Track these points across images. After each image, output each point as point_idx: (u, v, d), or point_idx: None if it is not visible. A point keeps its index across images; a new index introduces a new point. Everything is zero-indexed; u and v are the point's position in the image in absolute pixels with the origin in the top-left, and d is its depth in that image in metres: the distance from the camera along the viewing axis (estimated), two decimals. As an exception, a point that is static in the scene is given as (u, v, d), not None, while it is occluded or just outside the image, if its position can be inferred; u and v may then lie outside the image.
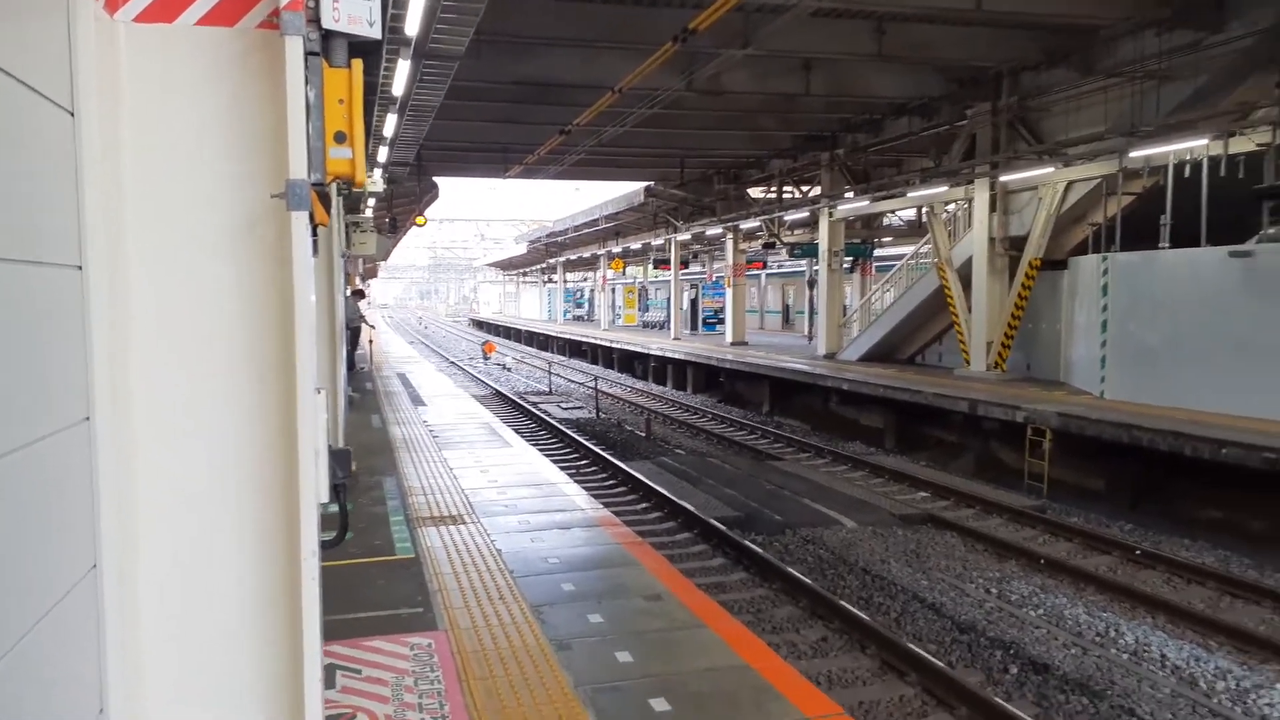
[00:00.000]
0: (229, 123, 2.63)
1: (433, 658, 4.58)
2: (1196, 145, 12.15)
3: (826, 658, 7.15)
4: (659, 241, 33.53)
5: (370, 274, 44.49)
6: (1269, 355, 11.10)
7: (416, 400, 17.00)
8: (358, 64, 2.75)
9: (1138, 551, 9.67)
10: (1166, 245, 13.11)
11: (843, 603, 7.99)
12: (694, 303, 37.36)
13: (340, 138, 2.72)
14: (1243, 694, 6.42)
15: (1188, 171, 12.55)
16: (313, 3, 2.64)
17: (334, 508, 3.05)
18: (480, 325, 72.06)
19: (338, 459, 2.94)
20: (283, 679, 2.60)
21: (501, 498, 8.47)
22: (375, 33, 2.80)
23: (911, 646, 7.01)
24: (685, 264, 33.95)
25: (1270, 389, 11.01)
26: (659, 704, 4.11)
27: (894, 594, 8.64)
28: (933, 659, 6.80)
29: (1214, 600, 8.44)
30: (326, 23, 2.67)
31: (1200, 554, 9.83)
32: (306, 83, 2.61)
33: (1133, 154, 13.16)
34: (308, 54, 2.60)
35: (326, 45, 2.72)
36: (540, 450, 13.24)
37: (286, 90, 2.50)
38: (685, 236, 30.42)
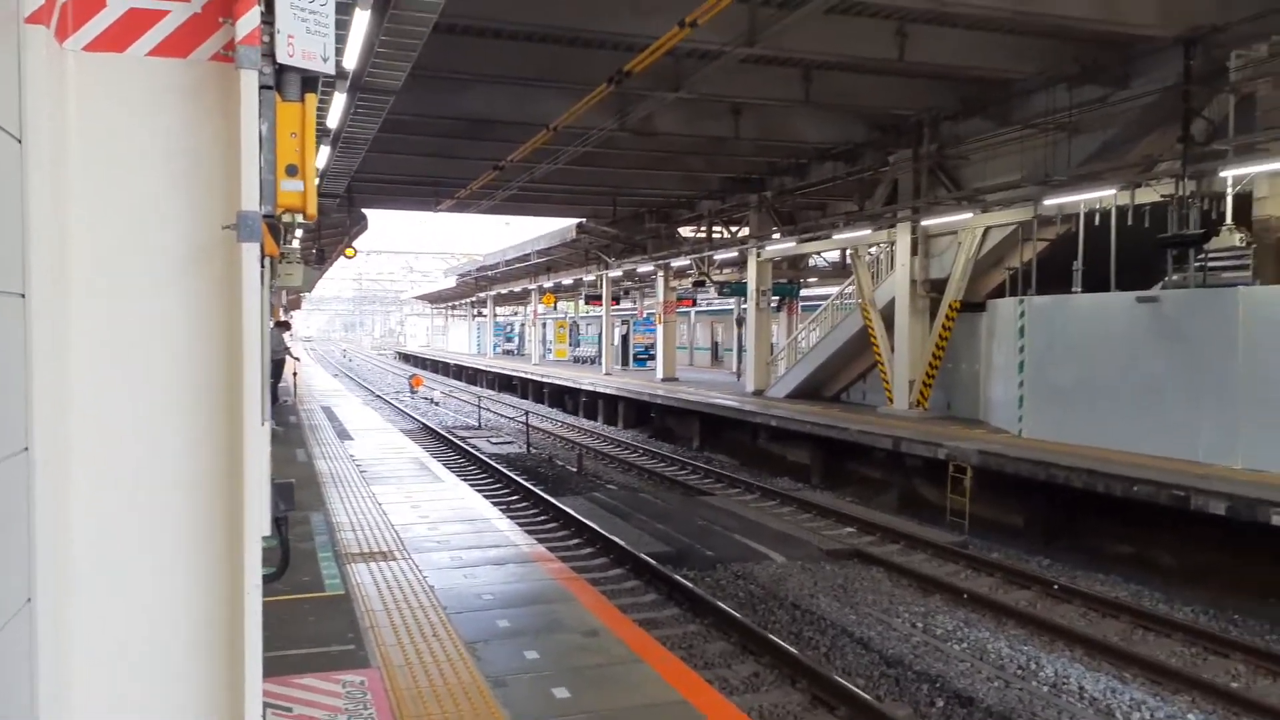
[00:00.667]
0: (179, 154, 2.62)
1: (366, 695, 4.51)
2: (1105, 195, 12.74)
3: (758, 692, 7.20)
4: (590, 277, 33.68)
5: (294, 305, 43.71)
6: (1174, 396, 11.61)
7: (343, 434, 16.71)
8: (311, 98, 2.78)
9: (1055, 586, 9.96)
10: (1079, 289, 13.67)
11: (773, 637, 8.07)
12: (625, 338, 37.54)
13: (292, 170, 2.73)
14: (1156, 723, 6.66)
15: (1098, 220, 13.13)
16: (267, 37, 2.66)
17: (273, 541, 3.02)
18: (407, 359, 71.15)
19: (280, 492, 2.92)
20: (223, 715, 2.55)
21: (433, 533, 8.37)
22: (329, 68, 2.83)
23: (841, 680, 7.11)
24: (617, 300, 34.13)
25: (1175, 429, 11.51)
26: (597, 740, 4.11)
27: (823, 628, 8.75)
28: (862, 693, 6.91)
29: (1128, 633, 8.74)
30: (281, 57, 2.68)
31: (1114, 588, 10.17)
32: (260, 116, 2.62)
33: (1046, 202, 13.73)
34: (261, 87, 2.62)
35: (280, 79, 2.74)
36: (471, 485, 13.12)
37: (240, 123, 2.51)
38: (617, 273, 30.65)
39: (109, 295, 2.52)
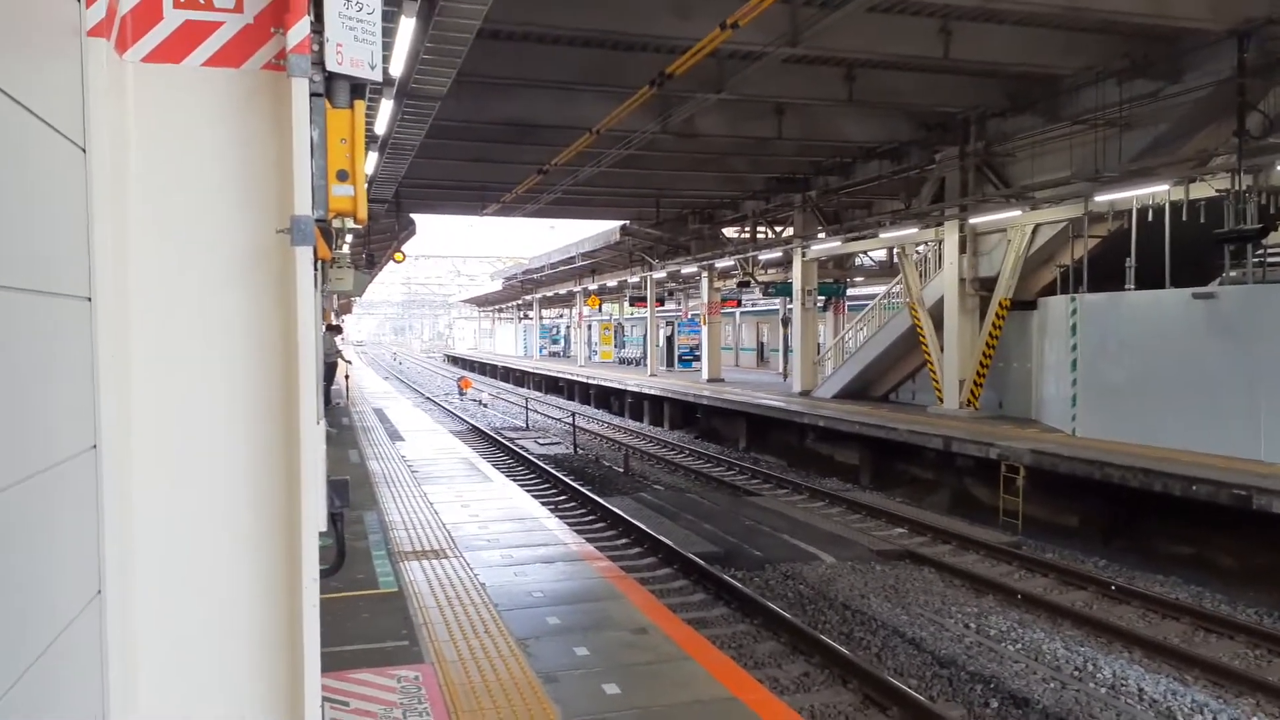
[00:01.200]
0: (234, 160, 2.70)
1: (420, 690, 4.58)
2: (1158, 190, 12.49)
3: (809, 693, 7.17)
4: (635, 279, 33.74)
5: (345, 309, 44.39)
6: (1232, 394, 11.34)
7: (394, 435, 16.95)
8: (360, 105, 2.84)
9: (1112, 587, 9.78)
10: (1132, 287, 13.41)
11: (824, 637, 8.03)
12: (670, 340, 37.52)
13: (343, 176, 2.80)
14: (1217, 726, 6.52)
15: (1151, 216, 12.88)
16: (317, 46, 2.73)
17: (329, 540, 3.08)
18: (455, 361, 71.88)
19: (335, 489, 2.99)
20: (282, 707, 2.62)
21: (483, 532, 8.47)
22: (376, 75, 2.89)
23: (893, 681, 7.06)
24: (661, 301, 34.14)
25: (1234, 427, 11.24)
26: (646, 736, 4.14)
27: (874, 629, 8.69)
28: (914, 693, 6.86)
29: (1189, 635, 8.56)
30: (330, 65, 2.75)
31: (1173, 589, 9.96)
32: (310, 123, 2.69)
33: (1097, 198, 13.51)
34: (312, 95, 2.69)
35: (329, 87, 2.80)
36: (520, 486, 13.23)
37: (292, 129, 2.58)
38: (661, 274, 30.66)
39: (168, 299, 2.61)
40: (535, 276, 44.46)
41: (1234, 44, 11.12)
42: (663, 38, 11.74)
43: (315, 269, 2.85)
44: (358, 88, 2.88)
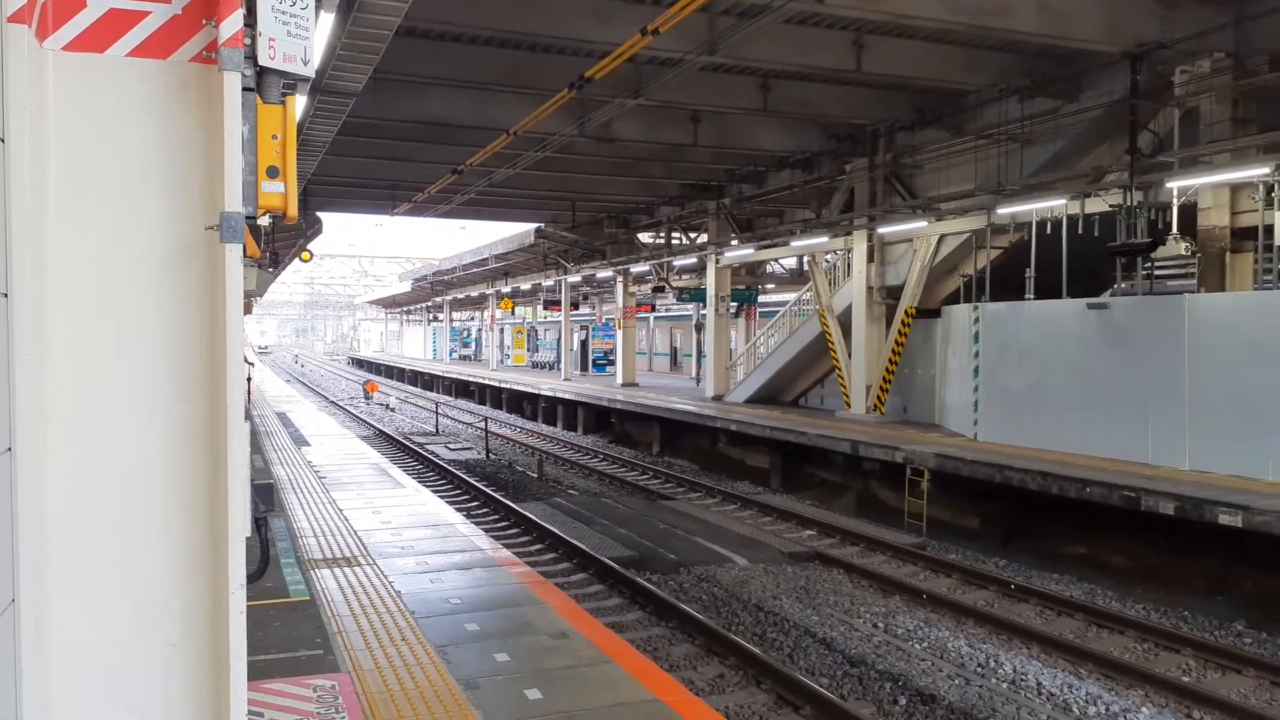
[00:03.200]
0: (160, 153, 2.61)
1: (337, 699, 4.49)
2: (1056, 204, 13.05)
3: (724, 694, 7.25)
4: (549, 282, 33.63)
5: (245, 310, 43.08)
6: (1123, 400, 11.91)
7: (299, 440, 16.53)
8: (291, 100, 2.79)
9: (1012, 586, 10.16)
10: (1032, 296, 13.97)
11: (738, 639, 8.14)
12: (584, 344, 37.50)
13: (273, 172, 2.74)
14: (1113, 717, 6.83)
15: (1049, 228, 13.45)
16: (249, 40, 2.66)
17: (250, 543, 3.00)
18: (361, 364, 70.41)
19: (259, 493, 2.92)
20: (206, 717, 2.54)
21: (396, 539, 8.33)
22: (309, 71, 2.84)
23: (805, 680, 7.20)
24: (575, 305, 34.10)
25: (1124, 431, 11.81)
26: (571, 740, 4.14)
27: (786, 629, 8.84)
28: (826, 692, 7.01)
29: (1083, 630, 8.95)
30: (263, 60, 2.69)
31: (1068, 588, 10.39)
32: (241, 118, 2.62)
33: (999, 210, 14.04)
34: (243, 90, 2.62)
35: (261, 82, 2.74)
36: (432, 491, 13.04)
37: (224, 124, 2.52)
38: (576, 278, 30.65)
39: (89, 295, 2.51)
40: (446, 278, 43.92)
41: (1127, 66, 11.69)
42: (582, 41, 11.76)
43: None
44: (289, 84, 2.82)
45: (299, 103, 9.48)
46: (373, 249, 77.76)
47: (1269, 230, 11.07)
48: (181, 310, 2.59)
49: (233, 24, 2.53)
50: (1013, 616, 9.27)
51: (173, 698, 2.55)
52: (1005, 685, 7.52)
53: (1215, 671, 7.86)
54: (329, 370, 69.22)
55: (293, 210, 2.76)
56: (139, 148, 2.60)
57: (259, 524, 2.91)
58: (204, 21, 2.64)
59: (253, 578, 2.80)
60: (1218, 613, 9.30)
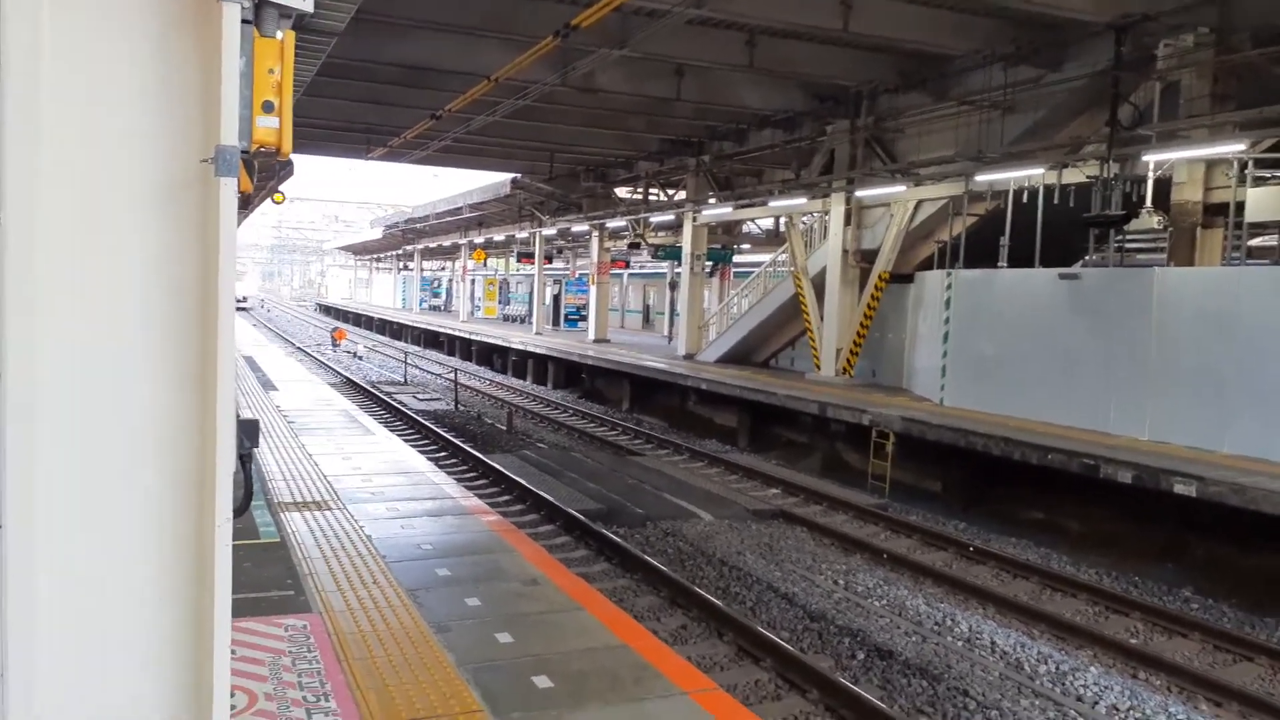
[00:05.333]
0: (155, 82, 2.57)
1: (309, 639, 4.54)
2: (1034, 173, 13.14)
3: (686, 644, 7.39)
4: (524, 234, 33.39)
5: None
6: (1088, 370, 12.12)
7: (267, 384, 16.42)
8: (290, 35, 2.75)
9: (970, 549, 10.39)
10: (1005, 265, 14.11)
11: (701, 591, 8.29)
12: (556, 298, 37.35)
13: (268, 107, 2.71)
14: (1061, 676, 7.05)
15: (1025, 197, 13.55)
16: (247, -30, 2.62)
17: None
18: (328, 311, 69.72)
19: (244, 429, 2.93)
20: (189, 645, 2.57)
21: (367, 485, 8.35)
22: (308, 6, 2.80)
23: (766, 633, 7.36)
24: (549, 259, 33.91)
25: (1089, 401, 12.03)
26: (541, 681, 4.22)
27: (749, 584, 9.00)
28: (786, 644, 7.17)
29: (1037, 593, 9.19)
30: (261, -9, 2.65)
31: (1024, 551, 10.65)
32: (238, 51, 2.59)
33: (978, 178, 14.11)
34: (242, 21, 2.59)
35: (259, 14, 2.70)
36: (400, 440, 13.04)
37: (221, 56, 2.49)
38: (550, 231, 30.44)
39: (82, 223, 2.48)
40: (419, 226, 43.45)
41: (1112, 37, 11.73)
42: (570, -12, 11.61)
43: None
44: (286, 17, 2.78)
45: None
46: (343, 193, 76.63)
47: (1240, 207, 11.25)
48: (175, 242, 2.58)
49: (231, -47, 2.49)
50: (970, 577, 9.49)
51: (159, 625, 2.57)
52: (960, 643, 7.73)
53: (1162, 635, 8.13)
54: (296, 316, 68.50)
55: (287, 146, 2.74)
56: (135, 76, 2.55)
57: (243, 459, 2.92)
58: (201, -51, 2.59)
59: (237, 512, 2.82)
60: (1168, 579, 9.59)
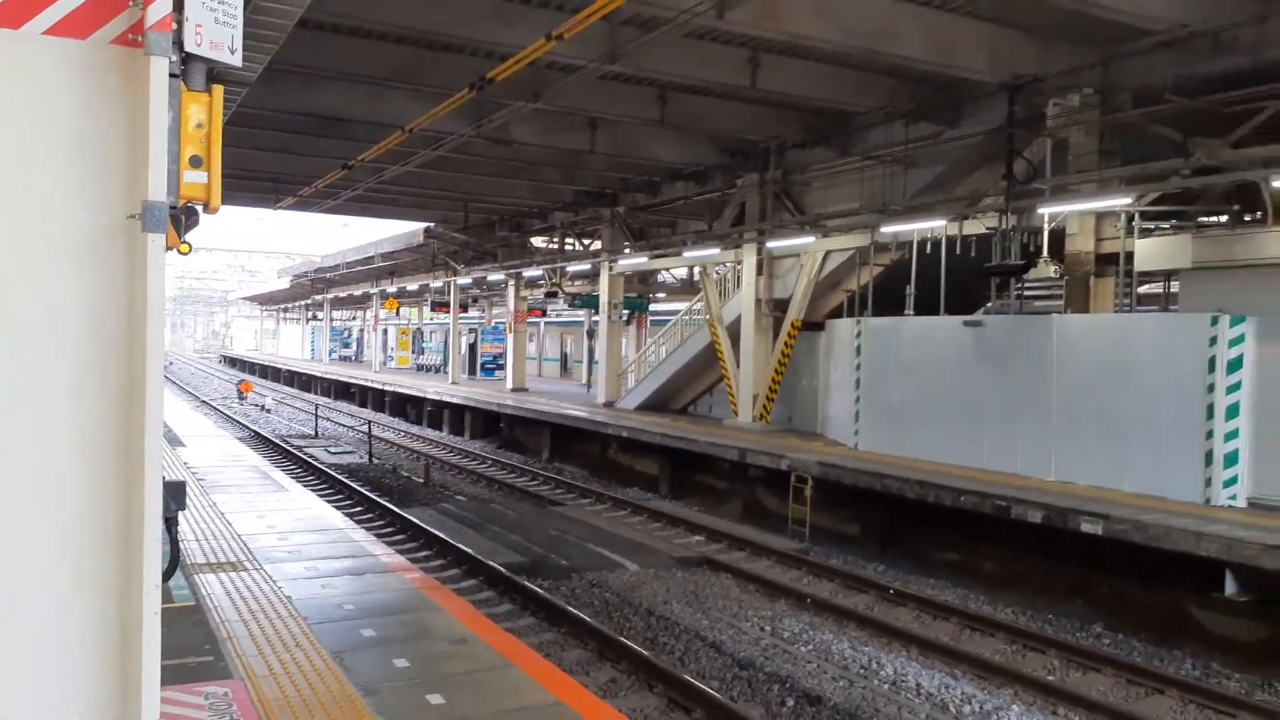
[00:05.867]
0: (77, 138, 2.50)
1: (231, 706, 4.34)
2: (936, 225, 13.66)
3: (616, 698, 7.30)
4: (438, 284, 33.10)
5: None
6: (995, 414, 12.53)
7: (173, 440, 15.83)
8: (218, 89, 2.72)
9: (891, 591, 10.55)
10: (911, 312, 14.55)
11: (629, 643, 8.22)
12: (473, 347, 37.01)
13: (196, 161, 2.67)
14: (985, 715, 7.19)
15: (929, 248, 14.06)
16: (176, 25, 2.59)
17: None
18: (234, 363, 67.70)
19: (170, 491, 2.83)
20: (115, 715, 2.44)
21: (283, 544, 8.09)
22: (236, 60, 2.78)
23: (696, 683, 7.32)
24: (464, 308, 33.65)
25: (997, 444, 12.42)
26: (476, 743, 4.12)
27: (677, 634, 8.96)
28: (716, 694, 7.14)
29: (957, 633, 9.36)
30: (189, 46, 2.62)
31: (943, 592, 10.85)
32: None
33: (883, 229, 14.60)
34: (170, 75, 2.55)
35: (186, 69, 2.67)
36: (315, 495, 12.67)
37: (149, 109, 2.44)
38: (466, 280, 30.26)
39: (6, 280, 2.38)
40: (328, 276, 42.70)
41: (1006, 96, 12.34)
42: (483, 41, 11.68)
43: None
44: (213, 72, 2.75)
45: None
46: (250, 243, 74.84)
47: (1129, 257, 11.86)
48: (100, 302, 2.49)
49: (161, 7, 2.46)
50: (892, 620, 9.63)
51: (84, 692, 2.44)
52: (887, 686, 7.82)
53: (1077, 670, 8.35)
54: (200, 368, 66.31)
55: (216, 201, 2.69)
56: (55, 131, 2.48)
57: (169, 523, 2.82)
58: (131, 2, 2.55)
59: (164, 576, 2.71)
60: (1079, 615, 9.88)
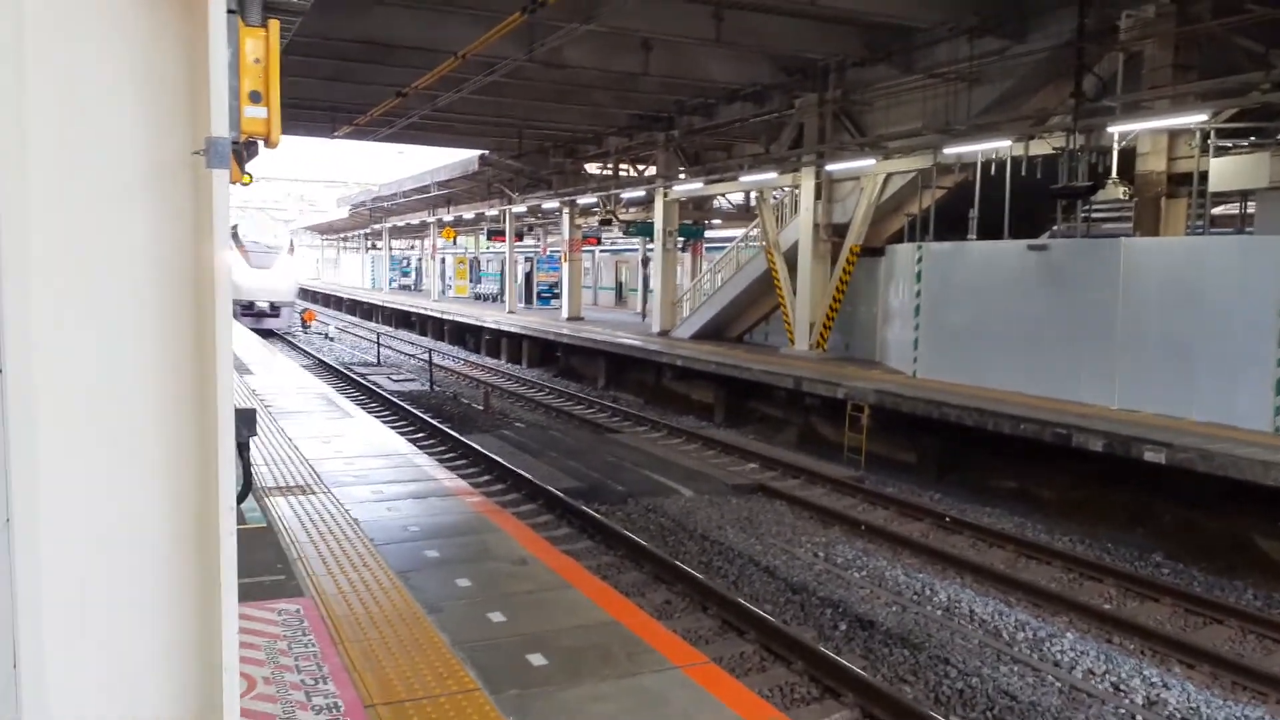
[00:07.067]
0: (141, 73, 2.54)
1: (303, 622, 4.56)
2: (1002, 145, 13.26)
3: (670, 619, 7.48)
4: (493, 212, 33.19)
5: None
6: (1058, 341, 12.30)
7: (240, 368, 16.27)
8: (274, 24, 2.74)
9: (946, 519, 10.56)
10: (974, 237, 14.24)
11: (684, 566, 8.38)
12: (529, 276, 37.22)
13: (255, 97, 2.70)
14: (1039, 643, 7.22)
15: (993, 169, 13.68)
16: (233, -41, 2.60)
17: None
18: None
19: (242, 418, 2.94)
20: (196, 634, 2.59)
21: (350, 468, 8.34)
22: (292, -7, 2.79)
23: (749, 606, 7.46)
24: (520, 236, 33.75)
25: (1059, 371, 12.22)
26: (536, 659, 4.27)
27: (731, 559, 9.11)
28: (769, 617, 7.28)
29: (1012, 561, 9.37)
30: (245, -20, 2.64)
31: (999, 520, 10.83)
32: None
33: (946, 150, 14.20)
34: (227, 11, 2.57)
35: (243, 4, 2.69)
36: (379, 422, 12.99)
37: (209, 46, 2.47)
38: (521, 208, 30.28)
39: (70, 217, 2.45)
40: (386, 205, 43.05)
41: (1076, 8, 11.82)
42: (537, -37, 11.51)
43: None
44: (270, 6, 2.77)
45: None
46: (309, 172, 75.61)
47: (1203, 177, 11.42)
48: (167, 234, 2.56)
49: (217, -58, 2.47)
50: (947, 548, 9.65)
51: (167, 613, 2.59)
52: (939, 612, 7.88)
53: (1134, 600, 8.32)
54: (263, 297, 67.63)
55: (276, 135, 2.73)
56: (119, 66, 2.53)
57: (241, 448, 2.93)
58: (187, -62, 2.56)
59: (238, 500, 2.84)
60: (1138, 544, 9.80)
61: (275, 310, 33.44)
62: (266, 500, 6.97)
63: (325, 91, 19.51)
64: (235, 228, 28.95)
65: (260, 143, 2.94)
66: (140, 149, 2.55)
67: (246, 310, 31.91)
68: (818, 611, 7.81)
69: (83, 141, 2.49)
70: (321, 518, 6.57)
